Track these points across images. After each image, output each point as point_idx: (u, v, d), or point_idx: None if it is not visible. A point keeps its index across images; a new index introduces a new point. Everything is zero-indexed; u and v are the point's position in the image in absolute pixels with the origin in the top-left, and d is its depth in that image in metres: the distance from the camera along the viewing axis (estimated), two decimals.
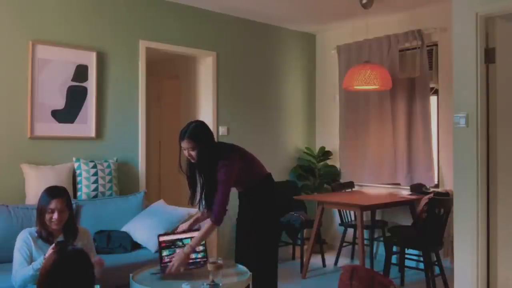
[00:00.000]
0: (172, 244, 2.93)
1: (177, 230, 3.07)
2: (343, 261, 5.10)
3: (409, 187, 4.98)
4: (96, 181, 3.91)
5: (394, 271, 4.49)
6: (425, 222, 4.16)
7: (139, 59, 4.48)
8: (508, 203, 3.27)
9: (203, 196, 2.98)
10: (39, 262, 2.49)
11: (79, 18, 4.12)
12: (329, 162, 5.81)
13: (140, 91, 4.48)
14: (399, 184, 5.15)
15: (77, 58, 4.08)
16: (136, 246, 3.74)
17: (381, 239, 5.11)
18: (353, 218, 5.21)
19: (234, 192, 3.13)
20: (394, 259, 4.70)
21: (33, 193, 3.60)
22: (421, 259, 4.38)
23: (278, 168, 5.56)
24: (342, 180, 5.57)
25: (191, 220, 3.12)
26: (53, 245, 2.43)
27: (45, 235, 2.70)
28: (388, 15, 5.20)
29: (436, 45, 4.91)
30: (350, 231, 5.18)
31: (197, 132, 2.90)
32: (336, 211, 5.51)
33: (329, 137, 5.92)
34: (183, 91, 5.71)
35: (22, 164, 3.73)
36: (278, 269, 3.20)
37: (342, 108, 5.59)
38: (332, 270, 4.90)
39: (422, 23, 4.93)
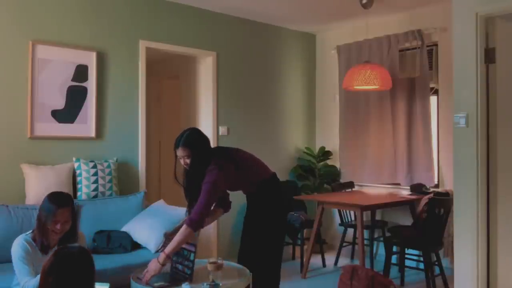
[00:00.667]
0: (180, 250, 2.87)
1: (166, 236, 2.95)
2: (343, 261, 5.10)
3: (409, 187, 4.98)
4: (96, 181, 3.91)
5: (394, 271, 4.49)
6: (425, 222, 4.16)
7: (139, 59, 4.48)
8: (508, 203, 3.27)
9: (185, 195, 2.93)
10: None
11: (79, 18, 4.12)
12: (329, 162, 5.81)
13: (140, 91, 4.49)
14: (399, 184, 5.15)
15: (77, 58, 4.08)
16: (136, 246, 3.74)
17: (381, 239, 5.11)
18: (353, 218, 5.21)
19: (237, 193, 3.12)
20: (394, 259, 4.70)
21: (33, 193, 3.60)
22: (421, 259, 4.38)
23: (278, 168, 5.53)
24: (342, 180, 5.57)
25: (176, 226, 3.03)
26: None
27: (41, 244, 2.58)
28: (388, 15, 5.20)
29: (436, 45, 4.91)
30: (350, 231, 5.18)
31: (191, 139, 2.88)
32: (336, 211, 5.52)
33: (329, 137, 5.92)
34: (183, 91, 5.71)
35: (22, 164, 3.74)
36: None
37: (342, 108, 5.59)
38: (332, 270, 4.90)
39: (422, 23, 4.93)
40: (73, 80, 4.06)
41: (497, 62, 3.27)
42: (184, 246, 2.82)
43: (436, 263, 4.22)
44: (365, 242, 4.82)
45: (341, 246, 5.14)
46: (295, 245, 5.24)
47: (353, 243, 5.23)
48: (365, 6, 4.70)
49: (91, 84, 4.16)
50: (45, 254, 2.58)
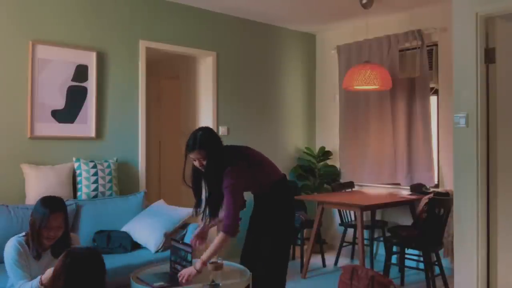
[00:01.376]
0: (178, 251, 2.88)
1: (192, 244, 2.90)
2: (343, 261, 5.10)
3: (409, 187, 4.98)
4: (96, 181, 3.91)
5: (394, 271, 4.49)
6: (425, 222, 4.16)
7: (139, 59, 4.48)
8: (508, 203, 3.27)
9: (207, 205, 2.88)
10: (37, 281, 2.39)
11: (79, 18, 4.12)
12: (329, 162, 5.81)
13: (140, 91, 4.49)
14: (399, 184, 5.15)
15: (77, 58, 4.08)
16: (136, 246, 3.74)
17: (381, 239, 5.11)
18: (353, 218, 5.21)
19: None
20: (394, 259, 4.70)
21: (33, 193, 3.60)
22: (421, 259, 4.38)
23: (278, 168, 5.55)
24: (342, 180, 5.57)
25: (198, 231, 3.01)
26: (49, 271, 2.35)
27: (34, 250, 2.53)
28: (388, 15, 5.20)
29: (436, 45, 4.91)
30: (350, 231, 5.18)
31: (206, 139, 2.81)
32: (336, 211, 5.52)
33: (329, 137, 5.92)
34: (183, 91, 5.71)
35: (22, 164, 3.74)
36: None
37: (342, 108, 5.59)
38: (332, 270, 4.90)
39: (422, 23, 4.93)
40: (73, 80, 4.06)
41: (497, 62, 3.27)
42: (181, 246, 2.83)
43: (436, 263, 4.22)
44: (365, 242, 4.82)
45: (341, 246, 5.14)
46: (295, 245, 5.24)
47: (353, 243, 5.23)
48: (365, 6, 4.70)
49: (91, 84, 4.16)
50: (38, 259, 2.55)
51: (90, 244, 3.62)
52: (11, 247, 2.52)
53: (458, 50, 3.38)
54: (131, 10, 4.45)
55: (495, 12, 3.22)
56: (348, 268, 3.90)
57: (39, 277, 2.41)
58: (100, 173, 3.95)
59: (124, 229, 3.82)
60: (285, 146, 5.78)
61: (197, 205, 2.95)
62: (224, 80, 5.17)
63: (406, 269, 4.52)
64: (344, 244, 5.17)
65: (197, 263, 2.68)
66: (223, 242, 2.71)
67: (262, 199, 3.03)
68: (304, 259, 4.73)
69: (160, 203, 4.17)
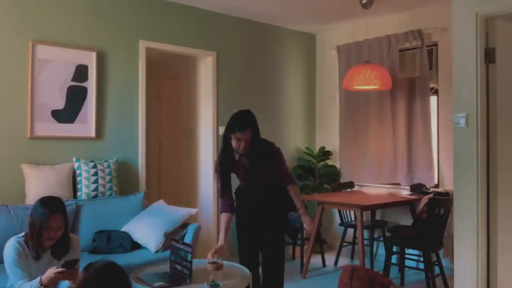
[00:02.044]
0: (177, 251, 2.88)
1: (215, 252, 2.90)
2: (343, 261, 5.10)
3: (409, 187, 4.98)
4: (96, 181, 3.91)
5: (394, 271, 4.49)
6: (425, 222, 4.16)
7: (139, 59, 4.48)
8: (508, 203, 3.27)
9: (255, 182, 3.10)
10: (36, 281, 2.38)
11: (79, 18, 4.12)
12: (329, 162, 5.81)
13: (140, 91, 4.48)
14: (399, 184, 5.15)
15: (77, 58, 4.08)
16: (136, 246, 3.74)
17: (381, 239, 5.11)
18: (353, 218, 5.21)
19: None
20: (394, 259, 4.70)
21: (33, 193, 3.60)
22: (421, 259, 4.38)
23: None
24: (342, 180, 5.57)
25: (224, 231, 3.05)
26: (56, 267, 2.35)
27: (33, 249, 2.52)
28: (388, 15, 5.20)
29: (436, 45, 4.91)
30: (350, 231, 5.18)
31: (253, 120, 3.02)
32: (336, 211, 5.52)
33: (329, 137, 5.92)
34: (183, 91, 5.71)
35: (22, 164, 3.74)
36: None
37: (342, 108, 5.59)
38: (332, 270, 4.90)
39: (422, 23, 4.93)
40: (73, 80, 4.06)
41: (497, 62, 3.27)
42: (181, 246, 2.83)
43: (436, 263, 4.22)
44: (365, 242, 4.81)
45: (341, 246, 5.14)
46: (295, 245, 5.24)
47: (353, 243, 5.23)
48: (365, 6, 4.70)
49: (91, 84, 4.16)
50: (37, 260, 2.54)
51: (90, 244, 3.63)
52: (10, 247, 2.51)
53: (458, 50, 3.38)
54: (131, 10, 4.45)
55: (495, 12, 3.22)
56: (348, 268, 3.89)
57: (39, 277, 2.40)
58: (100, 173, 3.95)
59: (124, 229, 3.82)
60: (285, 146, 5.77)
61: (225, 195, 3.09)
62: (224, 80, 5.17)
63: (406, 269, 4.52)
64: (344, 244, 5.17)
65: (304, 211, 3.13)
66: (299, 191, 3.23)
67: (271, 193, 3.20)
68: (304, 259, 4.73)
69: (160, 203, 4.17)
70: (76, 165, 3.92)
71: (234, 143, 2.96)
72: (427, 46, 4.93)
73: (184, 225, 3.89)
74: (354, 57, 5.45)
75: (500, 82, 3.28)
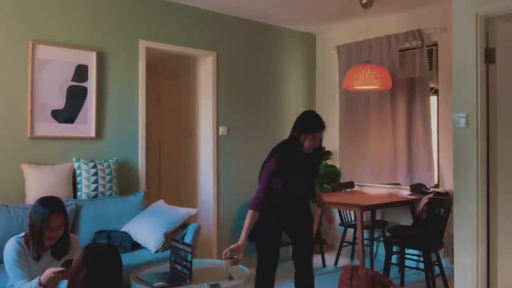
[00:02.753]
0: (178, 251, 2.88)
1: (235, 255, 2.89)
2: (343, 261, 5.10)
3: (409, 187, 4.98)
4: (96, 181, 3.91)
5: (394, 271, 4.49)
6: (425, 222, 4.16)
7: (139, 59, 4.48)
8: (508, 203, 3.27)
9: (307, 181, 3.23)
10: (35, 281, 2.39)
11: (79, 18, 4.12)
12: (329, 162, 5.81)
13: (140, 91, 4.49)
14: (399, 184, 5.15)
15: (77, 58, 4.08)
16: (136, 246, 3.74)
17: (381, 239, 5.11)
18: (353, 218, 5.21)
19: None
20: (394, 259, 4.70)
21: (33, 193, 3.60)
22: (421, 259, 4.38)
23: None
24: (342, 180, 5.57)
25: (247, 230, 2.99)
26: (55, 267, 2.36)
27: (34, 249, 2.52)
28: (388, 15, 5.20)
29: (436, 45, 4.91)
30: (350, 231, 5.18)
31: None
32: (336, 211, 5.51)
33: (329, 137, 5.92)
34: (183, 91, 5.71)
35: (22, 164, 3.74)
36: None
37: (342, 108, 5.59)
38: (332, 270, 4.90)
39: (422, 23, 4.93)
40: (73, 80, 4.06)
41: (497, 62, 3.27)
42: (181, 246, 2.84)
43: (436, 263, 4.22)
44: (365, 242, 4.82)
45: (341, 246, 5.14)
46: None
47: (353, 243, 5.23)
48: (365, 6, 4.70)
49: (91, 84, 4.16)
50: (38, 260, 2.54)
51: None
52: (10, 247, 2.51)
53: (458, 50, 3.38)
54: (131, 10, 4.45)
55: (495, 12, 3.22)
56: (348, 268, 3.89)
57: (37, 277, 2.40)
58: (100, 173, 3.95)
59: (124, 229, 3.82)
60: None
61: (265, 194, 3.06)
62: (224, 80, 5.17)
63: (406, 269, 4.52)
64: (344, 244, 5.17)
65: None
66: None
67: (305, 198, 3.36)
68: None
69: (160, 203, 4.17)
70: (76, 165, 3.92)
71: (308, 142, 3.08)
72: (427, 46, 4.93)
73: (184, 225, 3.89)
74: (354, 57, 5.45)
75: (500, 82, 3.28)
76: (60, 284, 2.52)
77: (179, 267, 2.82)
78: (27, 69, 3.80)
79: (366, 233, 5.06)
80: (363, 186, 5.48)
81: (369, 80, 4.46)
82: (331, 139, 5.88)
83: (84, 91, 4.12)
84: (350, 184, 5.44)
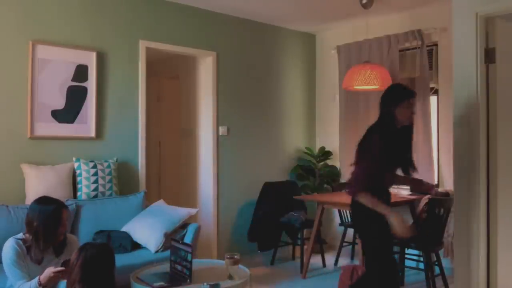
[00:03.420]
0: (178, 251, 2.89)
1: None
2: (343, 261, 5.10)
3: (409, 187, 4.97)
4: (96, 181, 3.91)
5: None
6: (425, 222, 4.15)
7: (139, 59, 4.48)
8: (508, 203, 3.27)
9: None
10: (35, 281, 2.40)
11: (79, 18, 4.12)
12: (329, 162, 5.81)
13: (140, 91, 4.49)
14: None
15: (77, 58, 4.08)
16: (136, 246, 3.74)
17: None
18: None
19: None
20: None
21: (33, 193, 3.60)
22: (421, 259, 4.38)
23: (278, 168, 5.56)
24: (342, 180, 5.57)
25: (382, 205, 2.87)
26: (54, 266, 2.39)
27: (39, 250, 2.52)
28: (388, 15, 5.20)
29: (436, 45, 4.90)
30: (350, 231, 5.17)
31: None
32: (336, 211, 5.52)
33: (329, 137, 5.92)
34: (183, 91, 5.71)
35: (22, 164, 3.74)
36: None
37: (342, 108, 5.59)
38: (332, 270, 4.90)
39: (422, 23, 4.93)
40: (73, 80, 4.06)
41: (497, 62, 3.26)
42: (181, 246, 2.84)
43: (436, 263, 4.22)
44: None
45: (341, 246, 5.14)
46: (295, 245, 5.24)
47: (353, 243, 5.23)
48: (365, 6, 4.70)
49: (91, 84, 4.16)
50: (39, 263, 2.53)
51: None
52: (9, 247, 2.52)
53: (458, 50, 3.38)
54: (131, 10, 4.45)
55: (495, 12, 3.21)
56: (348, 268, 3.90)
57: (37, 277, 2.40)
58: (100, 173, 3.95)
59: (124, 229, 3.82)
60: (285, 146, 5.78)
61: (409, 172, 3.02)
62: (224, 80, 5.17)
63: (406, 269, 4.51)
64: (344, 244, 5.16)
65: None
66: None
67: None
68: (304, 259, 4.73)
69: (160, 203, 4.17)
70: (76, 165, 3.92)
71: (404, 112, 2.88)
72: (427, 46, 4.93)
73: (184, 225, 3.89)
74: (354, 57, 5.44)
75: (500, 82, 3.27)
76: (60, 284, 2.52)
77: (179, 267, 2.82)
78: (27, 69, 3.80)
79: None
80: None
81: (369, 80, 4.46)
82: (331, 139, 5.88)
83: (84, 91, 4.12)
84: None
